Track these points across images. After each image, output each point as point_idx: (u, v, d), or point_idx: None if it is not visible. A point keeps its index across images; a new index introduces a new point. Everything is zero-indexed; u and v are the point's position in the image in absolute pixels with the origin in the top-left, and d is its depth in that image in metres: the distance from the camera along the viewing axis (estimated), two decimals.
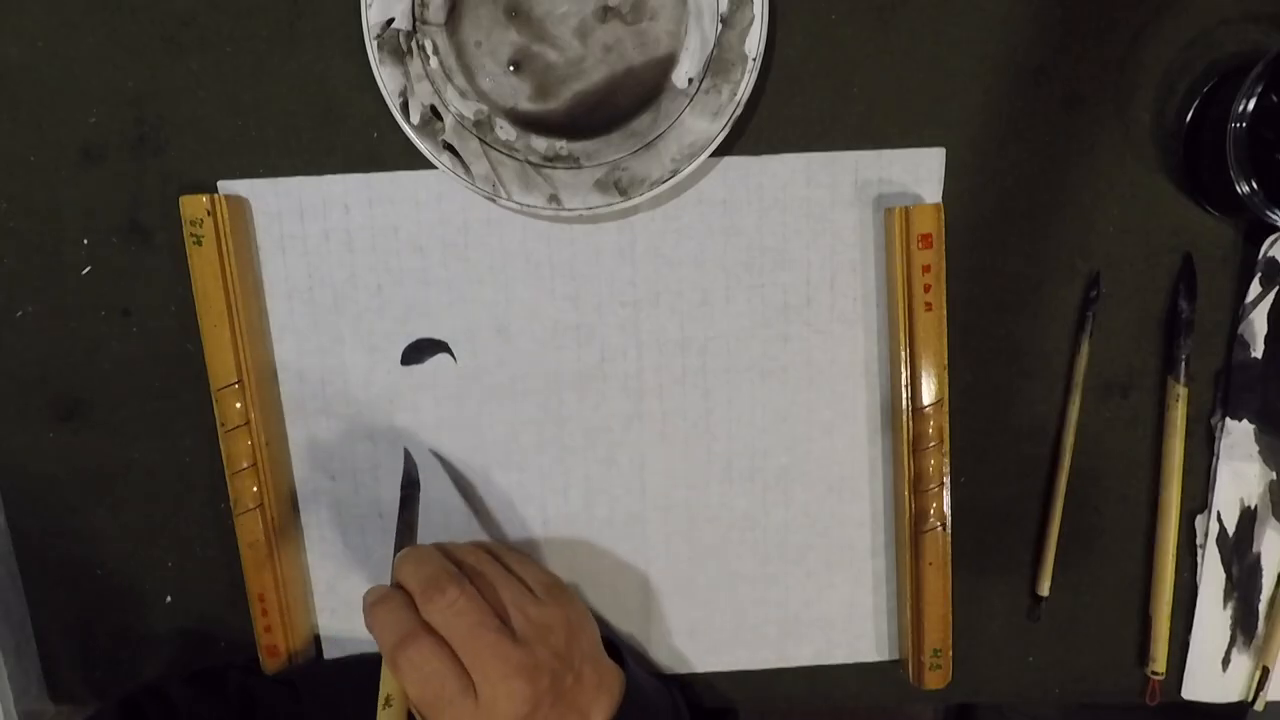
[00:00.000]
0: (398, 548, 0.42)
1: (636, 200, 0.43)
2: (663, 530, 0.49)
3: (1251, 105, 0.40)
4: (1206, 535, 0.49)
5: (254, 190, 0.45)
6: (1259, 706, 0.50)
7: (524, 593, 0.40)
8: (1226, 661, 0.50)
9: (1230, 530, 0.49)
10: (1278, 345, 0.47)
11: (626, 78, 0.43)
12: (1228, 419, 0.48)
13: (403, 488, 0.46)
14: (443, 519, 0.48)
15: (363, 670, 0.49)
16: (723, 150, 0.44)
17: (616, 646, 0.44)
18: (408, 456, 0.47)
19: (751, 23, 0.41)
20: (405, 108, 0.42)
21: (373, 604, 0.38)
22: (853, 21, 0.44)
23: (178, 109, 0.44)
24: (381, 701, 0.36)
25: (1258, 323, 0.47)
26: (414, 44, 0.42)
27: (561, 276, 0.46)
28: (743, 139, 0.45)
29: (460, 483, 0.48)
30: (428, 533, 0.47)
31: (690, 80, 0.42)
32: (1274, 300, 0.46)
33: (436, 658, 0.35)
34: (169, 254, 0.45)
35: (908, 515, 0.46)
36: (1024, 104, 0.45)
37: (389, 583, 0.40)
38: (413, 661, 0.35)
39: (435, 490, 0.47)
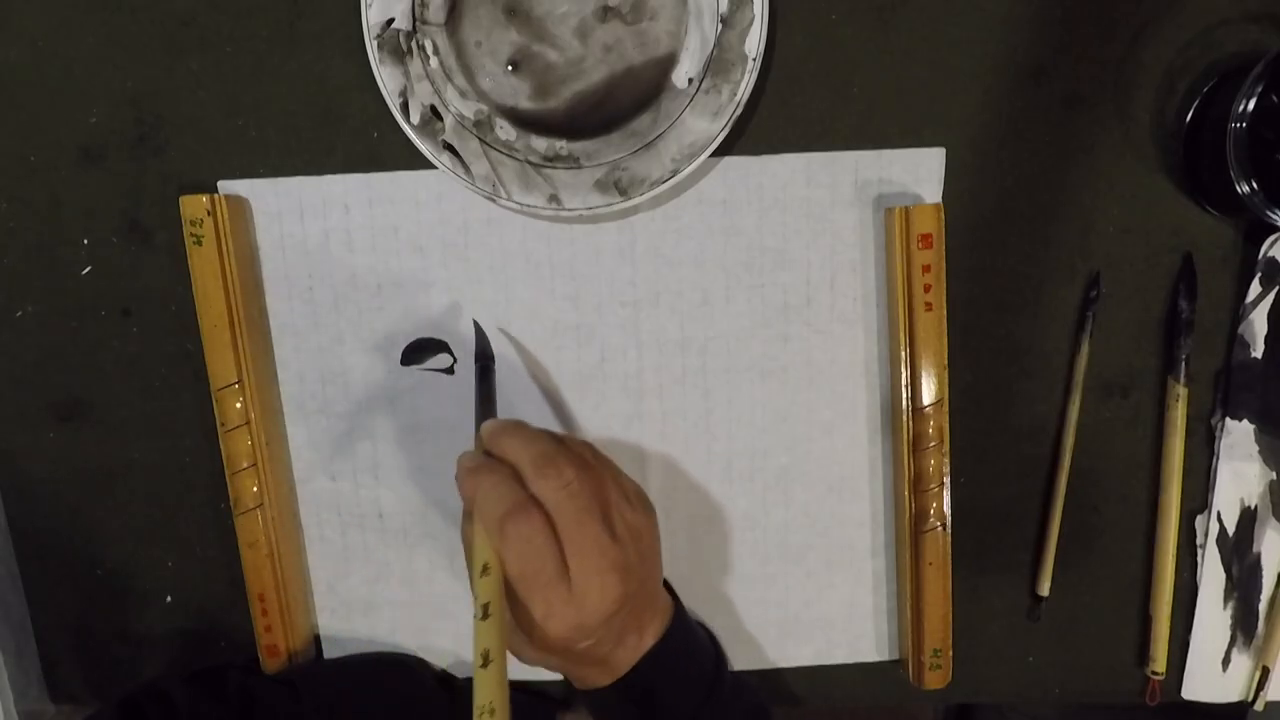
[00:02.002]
0: (479, 420, 0.40)
1: (636, 200, 0.43)
2: (663, 530, 0.49)
3: (1251, 105, 0.40)
4: (1206, 535, 0.49)
5: (254, 190, 0.45)
6: (1259, 706, 0.50)
7: (621, 495, 0.38)
8: (1226, 661, 0.50)
9: (1230, 530, 0.49)
10: (1278, 345, 0.47)
11: (626, 78, 0.43)
12: (1228, 419, 0.48)
13: (477, 359, 0.43)
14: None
15: (363, 670, 0.49)
16: (723, 150, 0.44)
17: (666, 582, 0.44)
18: (479, 329, 0.45)
19: (751, 23, 0.41)
20: (405, 108, 0.42)
21: (476, 469, 0.36)
22: (853, 21, 0.44)
23: (178, 109, 0.44)
24: (478, 569, 0.34)
25: (1258, 323, 0.47)
26: (414, 44, 0.42)
27: (561, 276, 0.46)
28: (743, 139, 0.45)
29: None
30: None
31: (690, 80, 0.42)
32: (1274, 300, 0.46)
33: (544, 534, 0.34)
34: (169, 254, 0.45)
35: (908, 515, 0.46)
36: (1024, 104, 0.45)
37: (457, 480, 0.38)
38: (522, 534, 0.34)
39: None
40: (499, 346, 0.46)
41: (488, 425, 0.39)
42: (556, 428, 0.47)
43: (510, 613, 0.35)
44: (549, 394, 0.47)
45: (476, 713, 0.31)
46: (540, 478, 0.35)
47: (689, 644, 0.41)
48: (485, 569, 0.34)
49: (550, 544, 0.34)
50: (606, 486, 0.37)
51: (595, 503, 0.35)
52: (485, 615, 0.32)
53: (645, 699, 0.39)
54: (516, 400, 0.47)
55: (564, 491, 0.35)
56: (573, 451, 0.37)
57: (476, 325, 0.45)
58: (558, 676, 0.42)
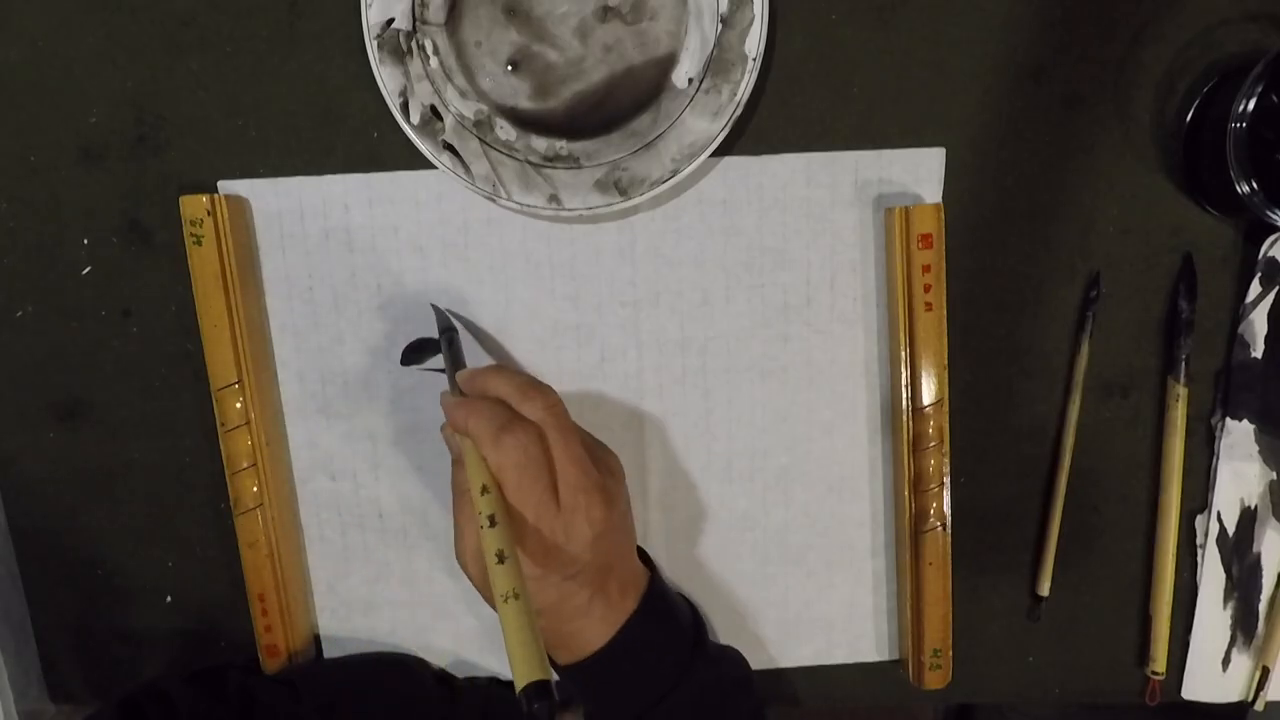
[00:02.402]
0: (451, 378, 0.41)
1: (636, 200, 0.43)
2: (663, 530, 0.49)
3: (1251, 105, 0.40)
4: (1206, 535, 0.49)
5: (254, 190, 0.45)
6: (1259, 706, 0.50)
7: (592, 439, 0.41)
8: (1226, 661, 0.50)
9: (1230, 530, 0.49)
10: (1278, 345, 0.47)
11: (626, 78, 0.43)
12: (1228, 419, 0.48)
13: (441, 334, 0.44)
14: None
15: (363, 670, 0.49)
16: (723, 150, 0.44)
17: (644, 552, 0.45)
18: (436, 309, 0.45)
19: (751, 23, 0.41)
20: (405, 108, 0.42)
21: (465, 401, 0.38)
22: (853, 21, 0.44)
23: (178, 109, 0.44)
24: (478, 489, 0.35)
25: (1258, 323, 0.47)
26: (414, 44, 0.42)
27: (561, 276, 0.46)
28: (743, 139, 0.45)
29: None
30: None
31: (690, 80, 0.42)
32: (1274, 300, 0.46)
33: (538, 443, 0.36)
34: (169, 254, 0.45)
35: (908, 515, 0.46)
36: (1024, 104, 0.45)
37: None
38: (519, 442, 0.35)
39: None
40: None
41: (464, 372, 0.41)
42: None
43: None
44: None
45: (500, 598, 0.32)
46: (525, 400, 0.37)
47: (667, 613, 0.41)
48: (484, 489, 0.35)
49: (544, 457, 0.36)
50: (580, 428, 0.40)
51: (576, 427, 0.38)
52: (493, 524, 0.34)
53: (627, 668, 0.39)
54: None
55: (549, 410, 0.37)
56: (550, 387, 0.40)
57: (434, 306, 0.46)
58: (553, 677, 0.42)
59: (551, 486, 0.36)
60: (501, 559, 0.33)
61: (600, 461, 0.39)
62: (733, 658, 0.45)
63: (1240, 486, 0.48)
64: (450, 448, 0.40)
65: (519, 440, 0.35)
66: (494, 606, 0.33)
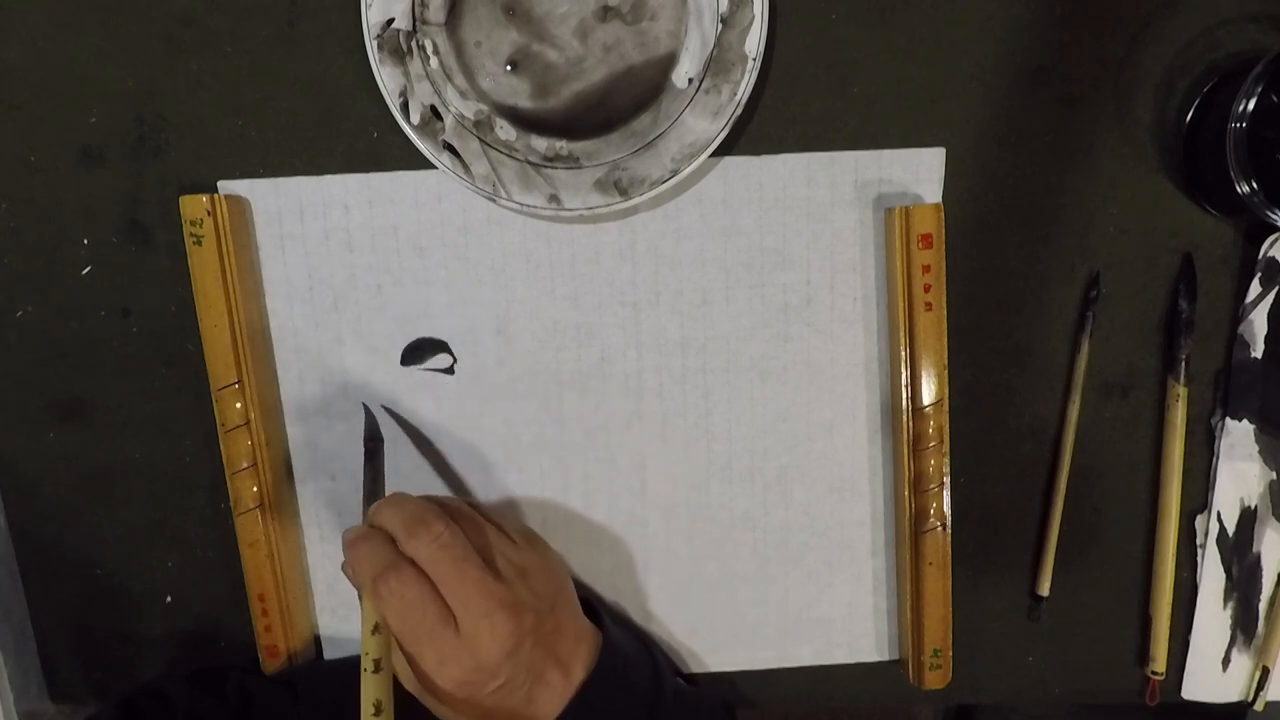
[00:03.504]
0: (367, 500, 0.42)
1: (636, 200, 0.43)
2: (663, 530, 0.49)
3: (1251, 105, 0.40)
4: (1206, 535, 0.49)
5: (254, 190, 0.45)
6: (1259, 706, 0.50)
7: (504, 538, 0.40)
8: (1226, 661, 0.50)
9: (1230, 530, 0.49)
10: (1278, 345, 0.47)
11: (626, 78, 0.43)
12: (1228, 419, 0.48)
13: (366, 441, 0.45)
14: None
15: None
16: (723, 150, 0.44)
17: (594, 607, 0.45)
18: (367, 412, 0.46)
19: (751, 23, 0.41)
20: (405, 108, 0.42)
21: (353, 540, 0.38)
22: (853, 21, 0.44)
23: (178, 109, 0.44)
24: (368, 629, 0.36)
25: (1258, 323, 0.47)
26: (414, 44, 0.42)
27: (561, 276, 0.46)
28: (743, 139, 0.45)
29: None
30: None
31: (690, 80, 0.42)
32: (1274, 300, 0.46)
33: (418, 586, 0.36)
34: (169, 254, 0.45)
35: (908, 515, 0.46)
36: (1024, 104, 0.45)
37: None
38: (393, 590, 0.36)
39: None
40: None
41: (374, 504, 0.41)
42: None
43: (414, 672, 0.37)
44: (551, 406, 0.47)
45: None
46: (410, 537, 0.37)
47: (621, 670, 0.41)
48: (375, 628, 0.36)
49: (426, 595, 0.36)
50: (485, 532, 0.39)
51: (470, 549, 0.37)
52: (377, 669, 0.36)
53: None
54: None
55: (435, 544, 0.37)
56: (444, 508, 0.39)
57: (365, 407, 0.46)
58: None
59: (443, 618, 0.36)
60: (378, 712, 0.35)
61: (508, 565, 0.38)
62: (695, 696, 0.45)
63: (1240, 486, 0.48)
64: (352, 583, 0.40)
65: (393, 588, 0.36)
66: None
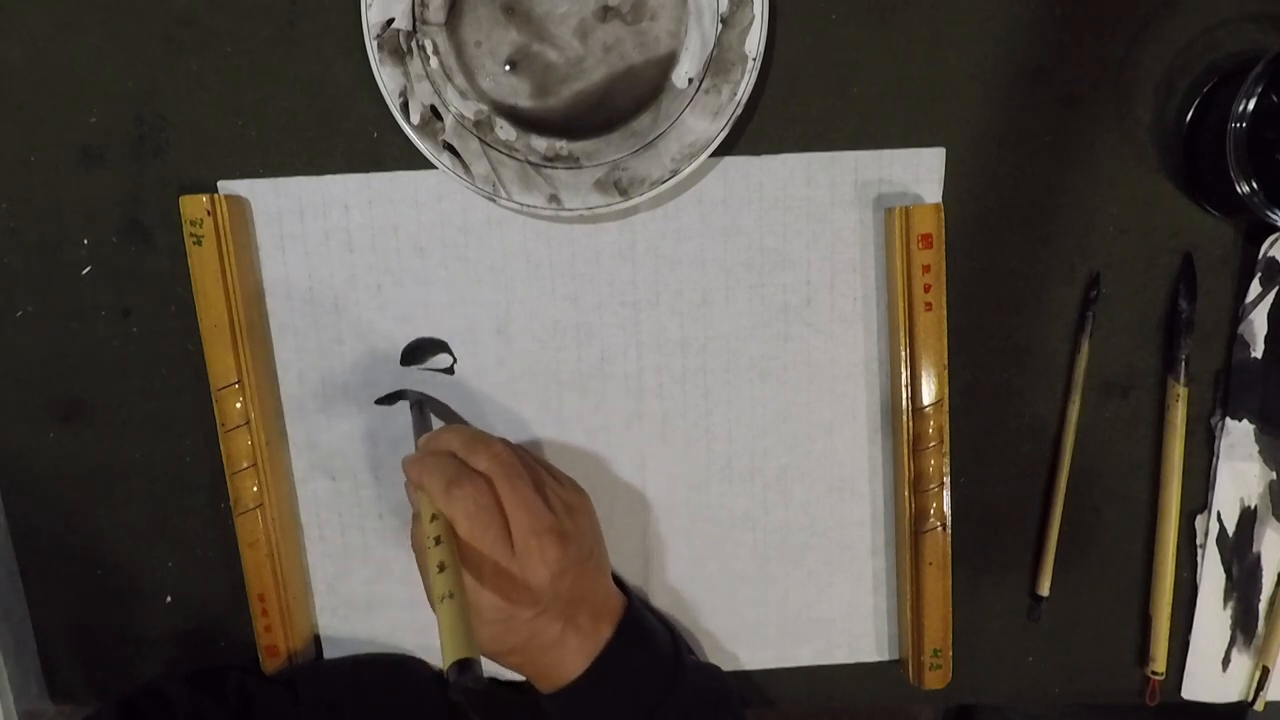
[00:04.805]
0: (418, 436, 0.43)
1: (636, 200, 0.43)
2: (663, 530, 0.49)
3: (1251, 105, 0.40)
4: (1206, 535, 0.49)
5: (254, 190, 0.45)
6: (1259, 706, 0.50)
7: (551, 475, 0.42)
8: (1226, 661, 0.50)
9: (1230, 530, 0.49)
10: (1278, 345, 0.47)
11: (626, 78, 0.43)
12: (1228, 419, 0.48)
13: (412, 405, 0.46)
14: None
15: (362, 670, 0.49)
16: (723, 150, 0.44)
17: (619, 578, 0.46)
18: (405, 393, 0.47)
19: (751, 23, 0.41)
20: (405, 108, 0.42)
21: (419, 456, 0.40)
22: (853, 21, 0.44)
23: (178, 109, 0.44)
24: (430, 540, 0.36)
25: (1258, 323, 0.47)
26: (414, 44, 0.42)
27: (561, 276, 0.46)
28: (743, 139, 0.45)
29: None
30: None
31: (690, 80, 0.42)
32: (1274, 300, 0.46)
33: (487, 493, 0.37)
34: (169, 254, 0.45)
35: (908, 515, 0.46)
36: (1024, 104, 0.45)
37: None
38: (467, 494, 0.37)
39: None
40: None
41: (423, 435, 0.42)
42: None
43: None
44: (552, 406, 0.48)
45: (437, 599, 0.33)
46: (472, 453, 0.39)
47: (645, 637, 0.42)
48: (437, 539, 0.36)
49: (494, 505, 0.37)
50: (533, 466, 0.41)
51: (524, 472, 0.39)
52: (441, 569, 0.35)
53: (607, 694, 0.40)
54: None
55: (495, 460, 0.39)
56: (498, 437, 0.41)
57: (403, 395, 0.47)
58: None
59: (504, 532, 0.37)
60: (441, 568, 0.35)
61: (557, 499, 0.40)
62: (712, 674, 0.46)
63: (1240, 486, 0.48)
64: (411, 503, 0.42)
65: (466, 491, 0.37)
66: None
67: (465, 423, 0.48)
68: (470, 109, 0.43)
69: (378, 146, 0.45)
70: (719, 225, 0.46)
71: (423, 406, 0.46)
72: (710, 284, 0.47)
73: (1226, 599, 0.49)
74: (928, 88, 0.45)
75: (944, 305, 0.44)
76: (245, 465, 0.45)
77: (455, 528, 0.37)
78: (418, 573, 0.49)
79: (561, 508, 0.40)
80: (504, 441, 0.40)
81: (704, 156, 0.42)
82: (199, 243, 0.43)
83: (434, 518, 0.37)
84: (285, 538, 0.47)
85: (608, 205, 0.43)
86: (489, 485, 0.38)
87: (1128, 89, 0.45)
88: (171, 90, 0.44)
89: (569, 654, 0.39)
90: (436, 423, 0.47)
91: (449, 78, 0.43)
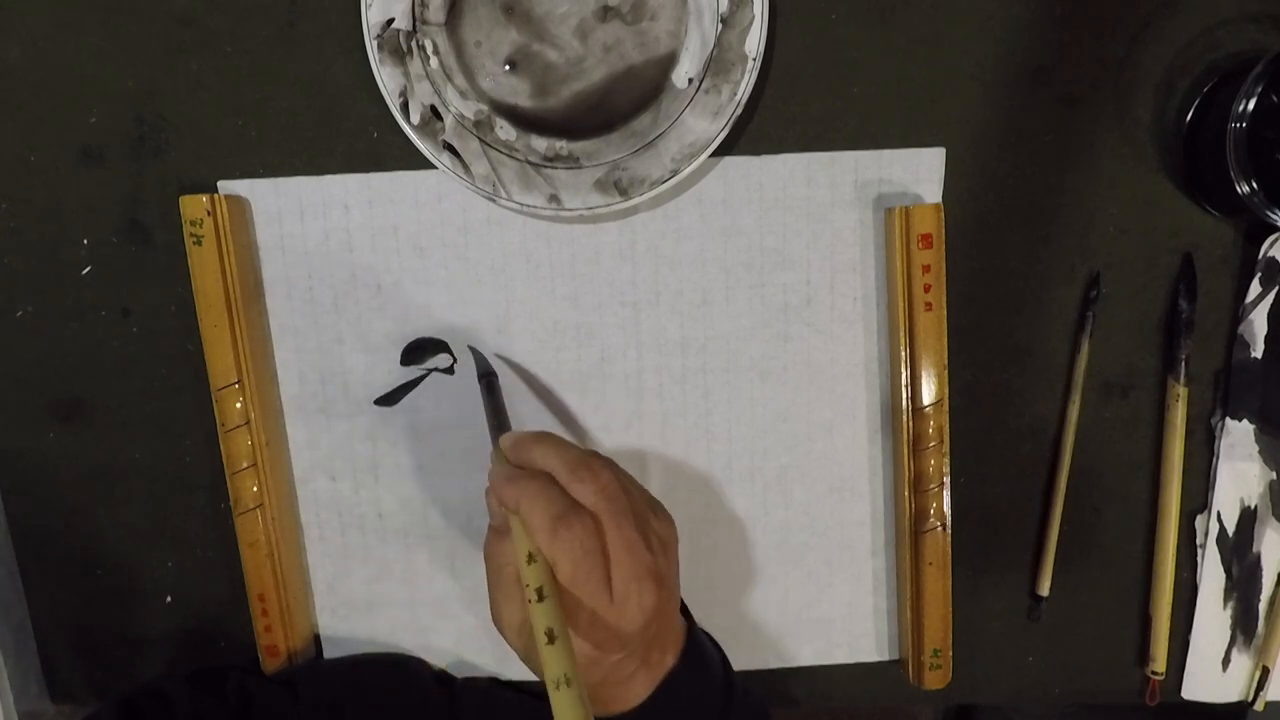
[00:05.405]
0: (494, 432, 0.40)
1: (636, 200, 0.43)
2: None
3: (1251, 105, 0.40)
4: (1206, 535, 0.49)
5: (254, 190, 0.45)
6: (1259, 706, 0.50)
7: (648, 505, 0.38)
8: (1226, 661, 0.50)
9: (1230, 530, 0.49)
10: (1278, 345, 0.47)
11: (626, 78, 0.43)
12: (1228, 419, 0.48)
13: (480, 379, 0.44)
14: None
15: (362, 670, 0.49)
16: (723, 150, 0.44)
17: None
18: (476, 352, 0.45)
19: (751, 23, 0.41)
20: (405, 108, 0.42)
21: (516, 478, 0.35)
22: (853, 21, 0.44)
23: (178, 109, 0.44)
24: (523, 558, 0.33)
25: (1258, 323, 0.47)
26: (414, 44, 0.42)
27: (561, 276, 0.46)
28: (743, 139, 0.45)
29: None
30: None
31: (690, 80, 0.42)
32: (1274, 300, 0.46)
33: (596, 537, 0.34)
34: (169, 254, 0.45)
35: (908, 515, 0.46)
36: (1024, 104, 0.45)
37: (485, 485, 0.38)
38: (577, 536, 0.33)
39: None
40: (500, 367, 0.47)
41: (507, 437, 0.39)
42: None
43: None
44: (551, 406, 0.47)
45: (551, 685, 0.30)
46: (577, 481, 0.35)
47: (703, 662, 0.40)
48: (531, 558, 0.33)
49: (599, 546, 0.34)
50: (634, 496, 0.37)
51: (629, 509, 0.35)
52: (540, 598, 0.32)
53: (666, 718, 0.38)
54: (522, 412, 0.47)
55: (601, 495, 0.34)
56: (601, 459, 0.37)
57: (473, 350, 0.46)
58: None
59: (606, 578, 0.34)
60: (551, 638, 0.31)
61: (654, 537, 0.36)
62: (749, 689, 0.44)
63: (1240, 486, 0.48)
64: (492, 514, 0.38)
65: (576, 534, 0.33)
66: (539, 674, 0.32)
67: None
68: (470, 109, 0.43)
69: (378, 146, 0.45)
70: (719, 225, 0.46)
71: (492, 383, 0.43)
72: (710, 284, 0.47)
73: (1226, 599, 0.49)
74: (928, 88, 0.45)
75: (944, 305, 0.44)
76: (245, 465, 0.45)
77: (555, 570, 0.33)
78: (418, 572, 0.49)
79: (658, 545, 0.36)
80: (610, 467, 0.36)
81: (704, 156, 0.42)
82: (199, 243, 0.43)
83: (531, 558, 0.33)
84: (285, 538, 0.47)
85: (608, 205, 0.43)
86: (597, 530, 0.34)
87: (1128, 89, 0.45)
88: (171, 90, 0.44)
89: (635, 685, 0.37)
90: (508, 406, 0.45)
91: (449, 78, 0.43)
